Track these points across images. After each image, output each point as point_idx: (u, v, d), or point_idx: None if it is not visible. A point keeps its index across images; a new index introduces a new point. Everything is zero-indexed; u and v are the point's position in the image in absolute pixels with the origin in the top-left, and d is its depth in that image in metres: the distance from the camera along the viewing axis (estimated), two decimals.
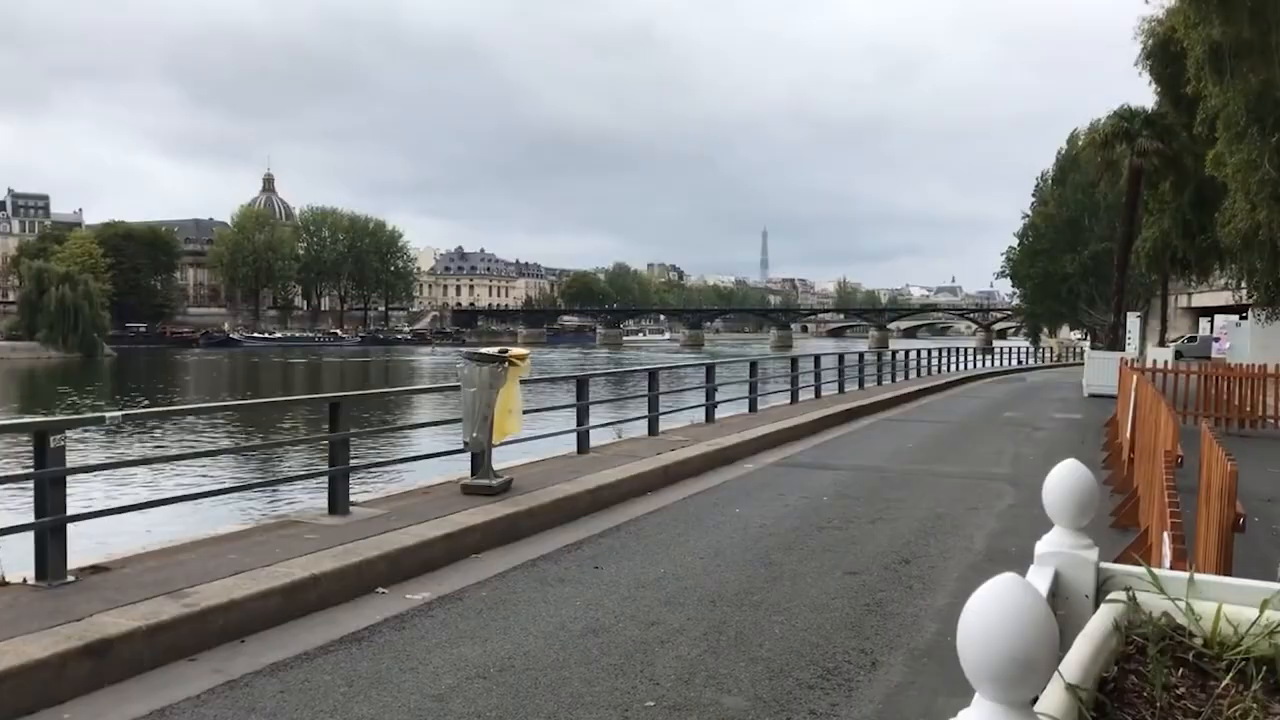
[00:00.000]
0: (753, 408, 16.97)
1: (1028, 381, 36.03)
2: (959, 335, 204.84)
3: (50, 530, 5.59)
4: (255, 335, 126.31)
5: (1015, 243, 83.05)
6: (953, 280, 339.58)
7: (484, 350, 8.86)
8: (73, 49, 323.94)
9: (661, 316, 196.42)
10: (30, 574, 5.61)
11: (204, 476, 14.21)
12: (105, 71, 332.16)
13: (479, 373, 8.61)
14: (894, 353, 31.39)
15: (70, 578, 5.66)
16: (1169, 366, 20.18)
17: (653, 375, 13.08)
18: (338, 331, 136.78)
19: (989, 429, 17.97)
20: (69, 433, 5.89)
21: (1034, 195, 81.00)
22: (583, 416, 11.33)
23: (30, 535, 5.60)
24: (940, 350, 37.57)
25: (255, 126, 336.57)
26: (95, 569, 5.92)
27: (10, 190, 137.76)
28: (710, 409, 15.02)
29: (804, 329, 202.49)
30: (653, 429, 13.07)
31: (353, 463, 7.86)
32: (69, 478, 5.75)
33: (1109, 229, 70.16)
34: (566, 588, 6.59)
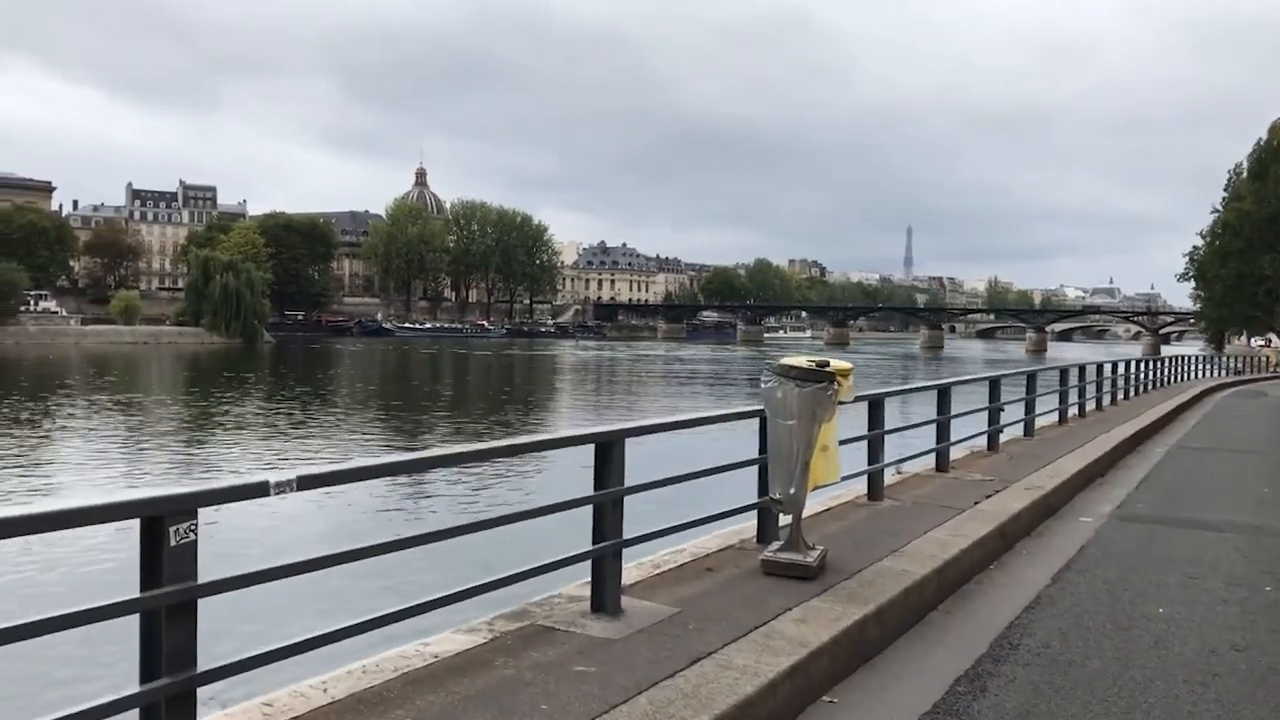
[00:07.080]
0: (1028, 430, 13.67)
1: (1270, 396, 31.38)
2: (1115, 339, 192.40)
3: (167, 703, 2.99)
4: (406, 325, 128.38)
5: (1199, 242, 75.75)
6: (1110, 281, 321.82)
7: (798, 361, 5.91)
8: (237, 45, 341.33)
9: (803, 313, 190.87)
10: None
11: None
12: (267, 66, 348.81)
13: (797, 397, 5.71)
14: (1113, 364, 27.05)
15: None
16: None
17: (943, 393, 10.01)
18: (484, 323, 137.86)
19: None
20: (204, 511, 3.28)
21: (1225, 191, 73.54)
22: (876, 450, 8.37)
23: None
24: (1147, 362, 32.97)
25: (406, 120, 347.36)
26: None
27: (181, 182, 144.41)
28: (994, 434, 11.84)
29: (951, 329, 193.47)
30: (941, 463, 10.03)
31: (626, 534, 5.08)
32: (200, 599, 3.13)
33: None
34: None
